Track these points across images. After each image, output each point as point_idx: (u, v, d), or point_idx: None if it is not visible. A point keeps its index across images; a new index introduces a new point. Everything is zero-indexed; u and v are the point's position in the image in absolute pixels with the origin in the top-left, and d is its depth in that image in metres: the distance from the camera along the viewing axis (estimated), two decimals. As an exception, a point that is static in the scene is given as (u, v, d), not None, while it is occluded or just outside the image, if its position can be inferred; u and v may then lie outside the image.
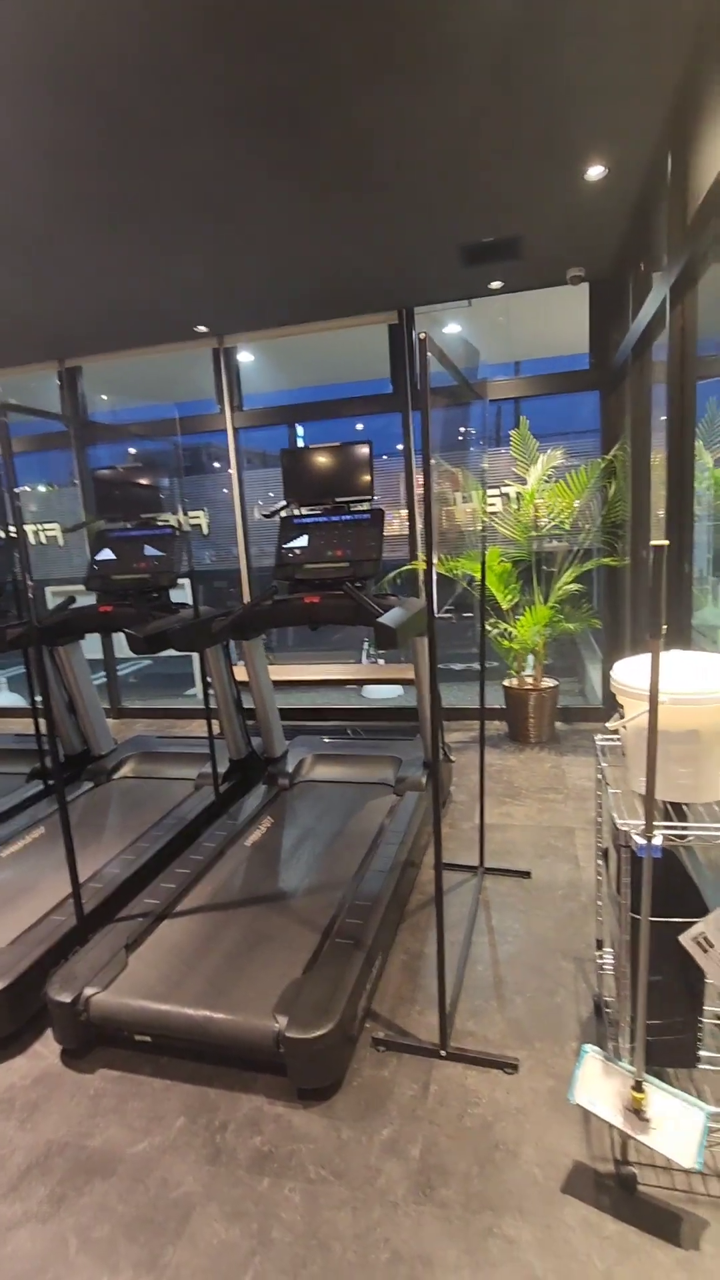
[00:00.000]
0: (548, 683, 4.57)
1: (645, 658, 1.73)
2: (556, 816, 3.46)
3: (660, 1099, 1.47)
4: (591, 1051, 1.59)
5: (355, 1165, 1.70)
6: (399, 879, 2.66)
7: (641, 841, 1.38)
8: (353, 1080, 1.95)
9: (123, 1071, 2.03)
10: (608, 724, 1.71)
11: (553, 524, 4.52)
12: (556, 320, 5.03)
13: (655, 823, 1.42)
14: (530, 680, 4.61)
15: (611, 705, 4.85)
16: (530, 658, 4.63)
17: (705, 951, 1.51)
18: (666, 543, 1.30)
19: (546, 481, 4.48)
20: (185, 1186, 1.67)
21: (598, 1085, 1.55)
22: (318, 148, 2.68)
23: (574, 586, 4.46)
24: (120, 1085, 1.99)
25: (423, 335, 1.66)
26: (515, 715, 4.58)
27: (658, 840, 1.38)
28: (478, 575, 4.64)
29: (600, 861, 2.08)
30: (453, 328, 5.20)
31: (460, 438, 5.57)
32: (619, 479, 4.36)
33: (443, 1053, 1.99)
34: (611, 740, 1.93)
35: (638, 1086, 1.47)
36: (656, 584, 1.32)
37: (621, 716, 1.64)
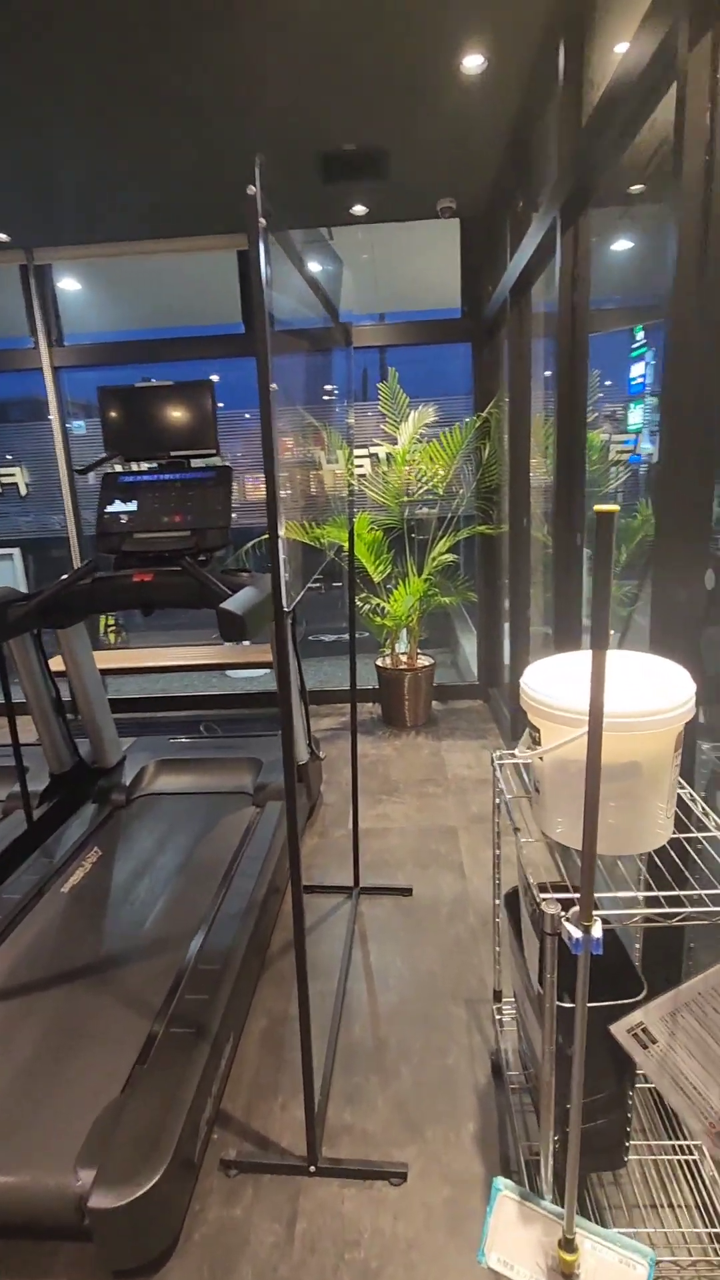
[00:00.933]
0: (423, 660, 4.24)
1: (565, 661, 1.33)
2: (437, 815, 3.13)
3: (595, 1253, 1.11)
4: (505, 1191, 1.20)
5: None
6: (258, 920, 2.18)
7: (577, 934, 0.98)
8: (194, 1231, 1.46)
9: None
10: (517, 751, 1.29)
11: (425, 488, 4.13)
12: (426, 271, 4.59)
13: (595, 900, 1.02)
14: (404, 658, 4.26)
15: (489, 682, 4.61)
16: (404, 634, 4.27)
17: (644, 1048, 1.16)
18: (615, 508, 0.87)
19: (418, 442, 4.08)
20: None
21: (514, 1237, 1.17)
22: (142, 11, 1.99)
23: (448, 557, 4.12)
24: None
25: (252, 189, 1.11)
26: (389, 697, 4.21)
27: (599, 929, 0.98)
28: (346, 545, 4.18)
29: (499, 902, 1.70)
30: (313, 265, 4.60)
31: (323, 393, 5.04)
32: (493, 440, 4.04)
33: (312, 1168, 1.55)
34: (512, 759, 1.54)
35: (567, 1244, 1.10)
36: (602, 567, 0.89)
37: (535, 740, 1.23)
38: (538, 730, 1.21)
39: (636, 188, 3.22)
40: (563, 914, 1.02)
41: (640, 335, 3.59)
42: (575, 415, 2.36)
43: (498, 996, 1.78)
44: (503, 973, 1.79)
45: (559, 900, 1.07)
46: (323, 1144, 1.62)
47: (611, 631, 2.97)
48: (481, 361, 4.14)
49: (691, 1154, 1.43)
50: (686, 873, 1.21)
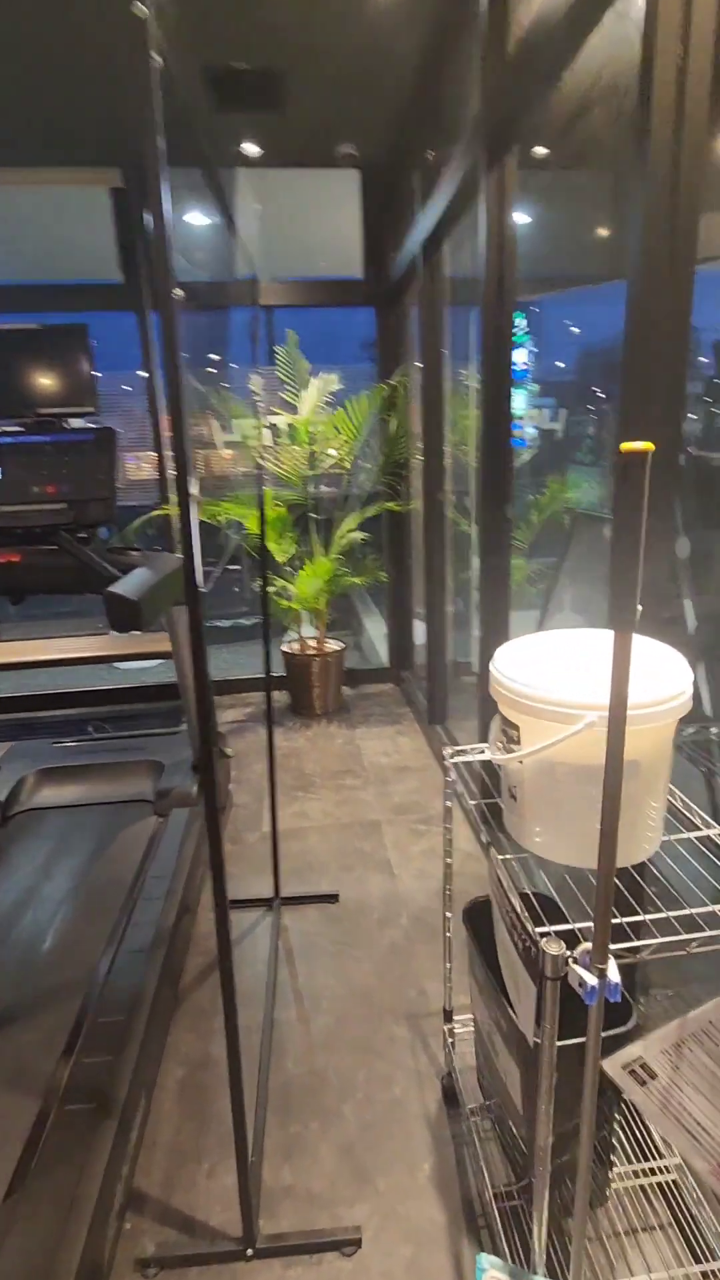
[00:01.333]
0: (332, 645, 4.02)
1: (537, 643, 1.15)
2: (358, 808, 2.93)
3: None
4: (491, 1271, 1.02)
5: None
6: (168, 951, 1.89)
7: (591, 980, 0.80)
8: None
9: None
10: (488, 752, 1.10)
11: (331, 462, 3.88)
12: (324, 231, 4.29)
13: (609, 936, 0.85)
14: (313, 643, 4.02)
15: (400, 665, 4.46)
16: (311, 617, 4.02)
17: (643, 1084, 1.01)
18: (650, 446, 0.68)
19: (321, 410, 3.81)
20: None
21: (506, 1325, 0.99)
22: None
23: (357, 535, 3.90)
24: None
25: (158, 60, 0.81)
26: (298, 684, 3.96)
27: (615, 972, 0.80)
28: (248, 523, 3.87)
29: (450, 915, 1.52)
30: (196, 216, 4.18)
31: (219, 356, 4.64)
32: (400, 412, 3.85)
33: (249, 1250, 1.31)
34: (467, 758, 1.35)
35: (573, 1331, 0.93)
36: (629, 524, 0.69)
37: (510, 738, 1.04)
38: (515, 727, 1.02)
39: (541, 150, 3.11)
40: (569, 954, 0.84)
41: (521, 321, 3.49)
42: (501, 383, 2.20)
43: (448, 1016, 1.61)
44: (453, 989, 1.61)
45: (556, 933, 0.89)
46: (260, 1215, 1.38)
47: (534, 611, 2.87)
48: (387, 327, 3.92)
49: (669, 1174, 1.32)
50: (681, 880, 1.06)
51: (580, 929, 0.93)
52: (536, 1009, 0.89)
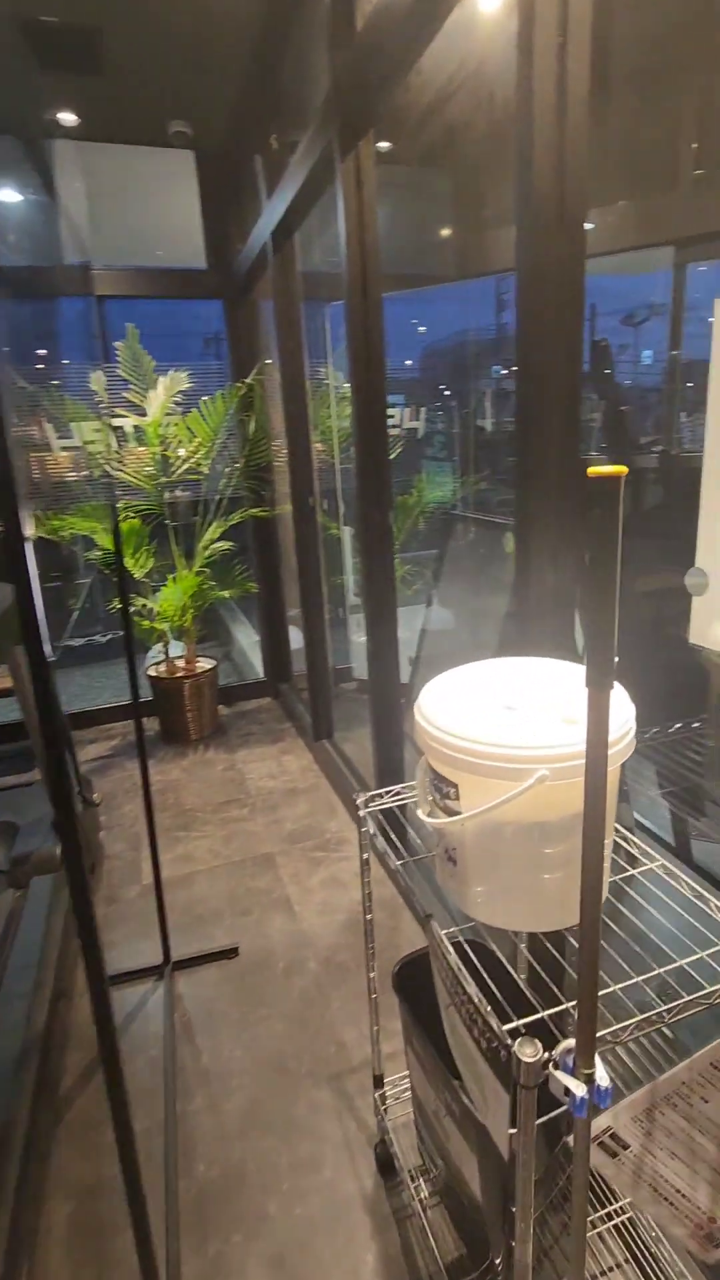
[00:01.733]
0: (204, 663, 3.74)
1: (464, 680, 1.02)
2: (248, 841, 2.72)
3: None
4: None
5: None
6: (42, 1060, 1.59)
7: (580, 1092, 0.68)
8: None
9: None
10: (420, 812, 0.96)
11: (186, 466, 3.60)
12: (160, 221, 3.96)
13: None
14: (182, 663, 3.72)
15: (278, 677, 4.27)
16: (178, 634, 3.72)
17: (614, 1156, 0.92)
18: (623, 470, 0.56)
19: (170, 413, 3.51)
20: None
21: None
22: None
23: (222, 545, 3.65)
24: None
25: None
26: (169, 709, 3.65)
27: (604, 1074, 0.69)
28: (99, 538, 3.49)
29: (373, 975, 1.37)
30: (9, 194, 3.70)
31: (45, 350, 4.16)
32: (259, 412, 3.65)
33: None
34: (384, 803, 1.21)
35: None
36: (602, 560, 0.57)
37: (445, 793, 0.90)
38: (452, 785, 0.89)
39: (383, 145, 3.04)
40: (548, 1056, 0.72)
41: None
42: (374, 380, 2.08)
43: (379, 1081, 1.46)
44: (381, 1051, 1.48)
45: (521, 1029, 0.76)
46: None
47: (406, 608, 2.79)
48: (237, 322, 3.69)
49: (624, 1214, 1.26)
50: (634, 927, 0.98)
51: (552, 1015, 0.82)
52: (512, 1117, 0.77)
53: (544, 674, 1.02)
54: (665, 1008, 0.77)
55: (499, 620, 2.83)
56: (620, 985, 0.83)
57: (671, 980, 0.84)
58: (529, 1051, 0.71)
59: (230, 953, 2.11)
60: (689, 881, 0.99)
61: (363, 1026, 1.82)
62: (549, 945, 0.98)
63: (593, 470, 0.56)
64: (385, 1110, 1.47)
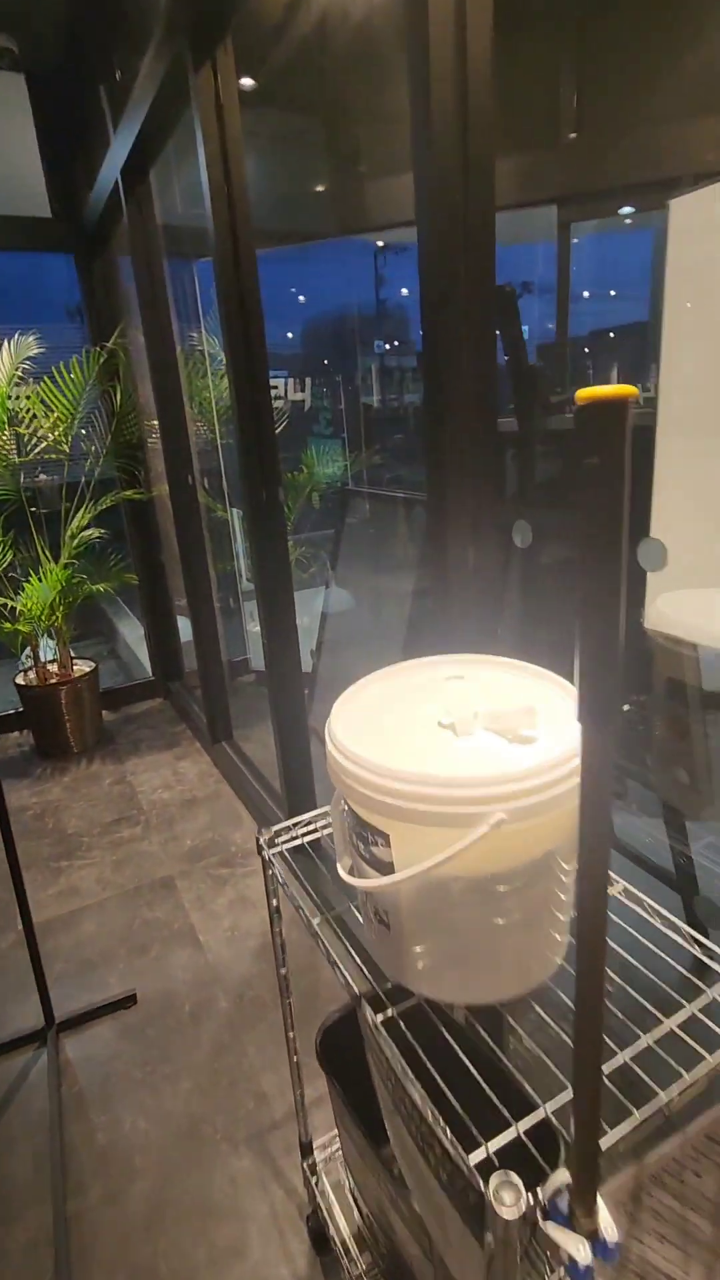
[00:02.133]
0: (81, 666, 3.35)
1: (385, 685, 0.82)
2: (143, 864, 2.43)
3: None
4: None
5: None
6: None
7: (584, 1260, 0.51)
8: None
9: None
10: (341, 869, 0.75)
11: (43, 445, 3.17)
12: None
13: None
14: (55, 667, 3.31)
15: (168, 675, 3.93)
16: (48, 634, 3.30)
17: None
18: (633, 391, 0.38)
19: (19, 384, 3.06)
20: None
21: None
22: None
23: (93, 532, 3.26)
24: None
25: None
26: (44, 721, 3.24)
27: (612, 1227, 0.52)
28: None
29: (293, 1034, 1.17)
30: None
31: None
32: (125, 382, 3.26)
33: None
34: (292, 841, 1.00)
35: None
36: (595, 530, 0.38)
37: (371, 841, 0.70)
38: (381, 834, 0.69)
39: (248, 82, 2.73)
40: (537, 1204, 0.54)
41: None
42: (252, 344, 1.81)
43: (307, 1149, 1.27)
44: (307, 1121, 1.28)
45: (494, 1161, 0.58)
46: None
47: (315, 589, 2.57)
48: (92, 279, 3.27)
49: None
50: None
51: (527, 1131, 0.64)
52: (488, 1272, 0.58)
53: (478, 674, 0.83)
54: (666, 1097, 0.61)
55: (403, 599, 2.67)
56: (608, 1066, 0.66)
57: (660, 1050, 0.68)
58: (508, 1199, 0.53)
59: (127, 1001, 1.84)
60: (655, 906, 0.85)
61: (282, 1071, 1.62)
62: (507, 1015, 0.81)
63: (584, 393, 0.36)
64: (316, 1180, 1.27)
